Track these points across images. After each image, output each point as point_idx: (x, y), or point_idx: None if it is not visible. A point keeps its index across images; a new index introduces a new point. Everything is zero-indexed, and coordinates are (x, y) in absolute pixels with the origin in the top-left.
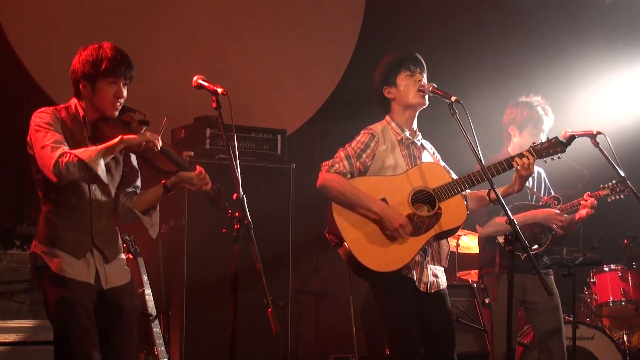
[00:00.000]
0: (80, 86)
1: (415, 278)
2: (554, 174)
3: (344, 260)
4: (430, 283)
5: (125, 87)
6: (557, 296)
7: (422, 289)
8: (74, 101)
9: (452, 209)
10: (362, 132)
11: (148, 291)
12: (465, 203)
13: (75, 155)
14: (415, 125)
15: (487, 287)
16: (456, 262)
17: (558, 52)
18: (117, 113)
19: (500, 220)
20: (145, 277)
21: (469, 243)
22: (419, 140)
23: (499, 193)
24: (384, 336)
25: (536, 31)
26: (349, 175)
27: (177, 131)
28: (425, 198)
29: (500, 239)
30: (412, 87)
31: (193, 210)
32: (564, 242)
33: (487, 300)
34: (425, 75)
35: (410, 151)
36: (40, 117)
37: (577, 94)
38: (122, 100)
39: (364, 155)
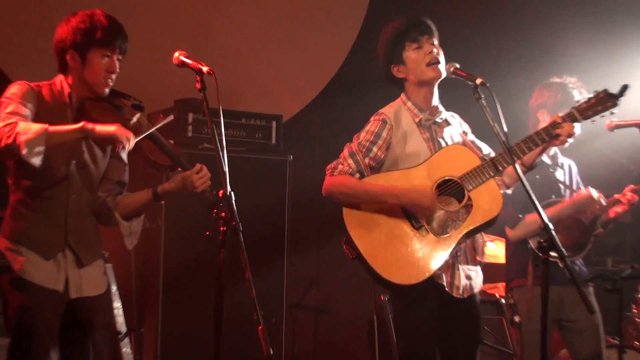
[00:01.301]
0: (68, 57)
1: (445, 283)
2: (596, 171)
3: (369, 274)
4: (463, 287)
5: (119, 62)
6: (598, 314)
7: (455, 295)
8: (59, 78)
9: (485, 198)
10: (371, 118)
11: (117, 304)
12: (505, 187)
13: (18, 128)
14: (435, 100)
15: (517, 302)
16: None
17: (601, 25)
18: (107, 91)
19: (533, 218)
20: (114, 288)
21: (495, 251)
22: (441, 118)
23: (525, 182)
24: (397, 347)
25: None
26: (358, 175)
27: (154, 116)
28: (452, 189)
29: (533, 243)
30: (422, 62)
31: (171, 209)
32: (607, 250)
33: (516, 319)
34: (436, 40)
35: (433, 133)
36: (11, 89)
37: (625, 76)
38: (114, 77)
39: (374, 149)
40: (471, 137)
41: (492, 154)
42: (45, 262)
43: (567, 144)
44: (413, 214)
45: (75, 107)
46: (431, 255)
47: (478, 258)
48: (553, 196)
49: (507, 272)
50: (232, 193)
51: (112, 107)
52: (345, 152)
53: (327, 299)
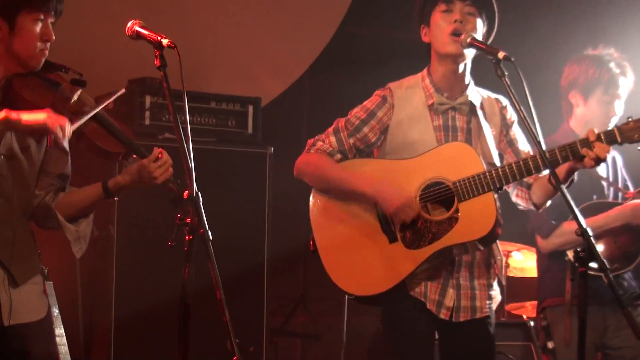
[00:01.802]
0: None
1: (428, 301)
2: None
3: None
4: (457, 308)
5: (52, 26)
6: None
7: (442, 316)
8: None
9: (474, 214)
10: (375, 92)
11: (60, 330)
12: (497, 207)
13: None
14: (464, 80)
15: (551, 324)
16: (504, 291)
17: None
18: (42, 62)
19: (571, 227)
20: (55, 311)
21: (523, 262)
22: (466, 104)
23: (565, 190)
24: None
25: None
26: (339, 156)
27: (104, 99)
28: (442, 194)
29: (571, 255)
30: (444, 30)
31: (125, 215)
32: None
33: (549, 345)
34: (478, 10)
35: (448, 120)
36: None
37: None
38: (49, 46)
39: (365, 129)
40: (514, 131)
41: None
42: None
43: (595, 168)
44: (385, 217)
45: (2, 86)
46: (392, 268)
47: (491, 280)
48: (595, 197)
49: (539, 289)
50: (200, 194)
51: (46, 83)
52: (331, 127)
53: (316, 323)
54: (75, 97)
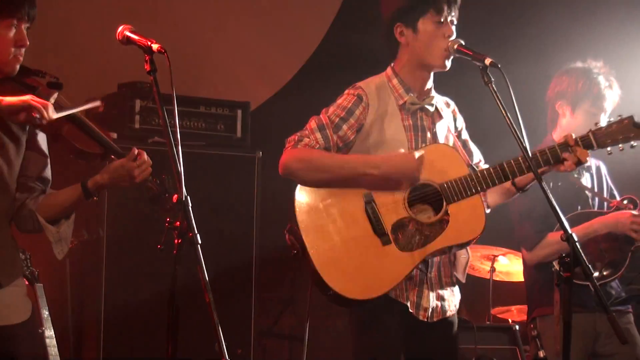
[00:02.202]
0: None
1: (409, 303)
2: (629, 169)
3: (310, 275)
4: (433, 309)
5: (26, 31)
6: (638, 344)
7: (421, 318)
8: None
9: (464, 216)
10: (345, 92)
11: (50, 332)
12: (486, 205)
13: None
14: (430, 84)
15: (542, 334)
16: (490, 295)
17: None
18: (17, 68)
19: (556, 237)
20: (45, 312)
21: (508, 267)
22: (432, 105)
23: (550, 195)
24: None
25: None
26: None
27: (83, 104)
28: (429, 196)
29: (557, 264)
30: (437, 43)
31: (115, 217)
32: None
33: (541, 354)
34: (455, 19)
35: (417, 120)
36: None
37: None
38: (23, 51)
39: (344, 127)
40: (465, 136)
41: (483, 164)
42: None
43: (574, 172)
44: (378, 217)
45: None
46: (389, 271)
47: (458, 275)
48: (579, 207)
49: (528, 300)
50: (189, 198)
51: (22, 87)
52: (313, 124)
53: (304, 325)
54: (52, 100)
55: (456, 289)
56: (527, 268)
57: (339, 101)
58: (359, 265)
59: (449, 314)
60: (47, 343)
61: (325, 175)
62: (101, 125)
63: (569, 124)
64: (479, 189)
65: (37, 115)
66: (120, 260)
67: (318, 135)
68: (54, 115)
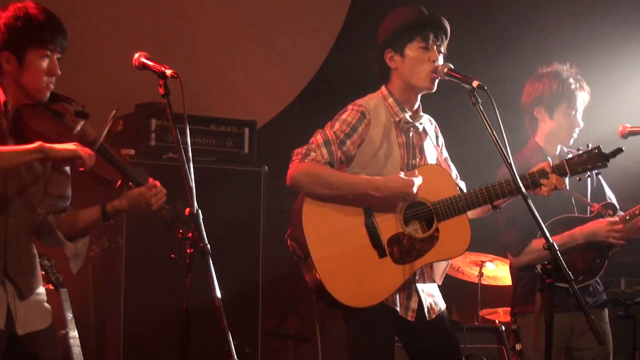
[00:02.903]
0: (3, 60)
1: (398, 306)
2: (610, 181)
3: (307, 281)
4: (428, 308)
5: (58, 61)
6: (609, 341)
7: (410, 319)
8: None
9: (453, 233)
10: (348, 107)
11: (74, 333)
12: (470, 228)
13: None
14: (419, 104)
15: (521, 329)
16: (479, 298)
17: (601, 20)
18: (48, 95)
19: (539, 244)
20: (69, 315)
21: (495, 272)
22: (421, 124)
23: (534, 210)
24: None
25: None
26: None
27: (113, 122)
28: (422, 214)
29: (540, 268)
30: (422, 66)
31: (133, 227)
32: (621, 271)
33: (518, 347)
34: (444, 48)
35: (409, 138)
36: None
37: (632, 79)
38: (54, 80)
39: (348, 142)
40: (445, 153)
41: (458, 180)
42: None
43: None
44: (376, 231)
45: (11, 116)
46: (385, 281)
47: (437, 281)
48: (561, 209)
49: (513, 296)
50: (200, 211)
51: (52, 114)
52: (319, 138)
53: (308, 326)
54: (78, 128)
55: (437, 289)
56: (513, 270)
57: (344, 116)
58: (357, 276)
59: (442, 308)
60: (71, 343)
61: (331, 192)
62: (121, 142)
63: (549, 127)
64: (466, 208)
65: (81, 163)
66: (137, 266)
67: (324, 150)
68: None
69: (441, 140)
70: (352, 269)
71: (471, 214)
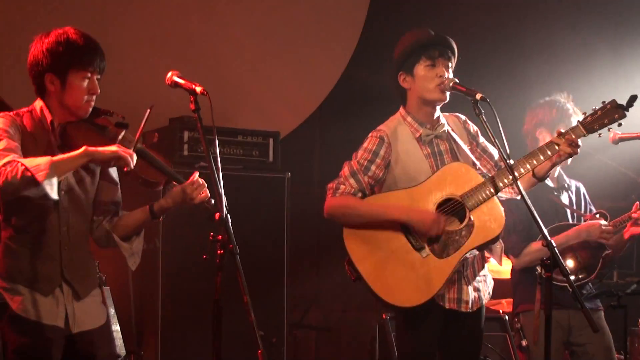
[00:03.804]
0: (47, 81)
1: (448, 301)
2: (601, 184)
3: (370, 293)
4: (472, 301)
5: (98, 81)
6: (608, 336)
7: (464, 310)
8: (38, 103)
9: (486, 217)
10: (369, 135)
11: (116, 327)
12: (512, 194)
13: (23, 165)
14: (438, 114)
15: (524, 326)
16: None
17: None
18: (90, 111)
19: (538, 246)
20: (112, 310)
21: (497, 266)
22: (444, 131)
23: (527, 198)
24: None
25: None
26: (360, 195)
27: (150, 135)
28: (454, 208)
29: (540, 268)
30: (430, 82)
31: (169, 230)
32: (612, 265)
33: (523, 343)
34: (452, 64)
35: (434, 147)
36: None
37: (622, 90)
38: (94, 98)
39: (372, 167)
40: (482, 140)
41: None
42: (43, 298)
43: (569, 159)
44: (414, 234)
45: (58, 133)
46: (431, 277)
47: (496, 259)
48: (557, 221)
49: (514, 298)
50: (229, 215)
51: (95, 128)
52: (346, 171)
53: (328, 318)
54: (120, 137)
55: (489, 278)
56: (514, 272)
57: (365, 145)
58: (405, 278)
59: (484, 300)
60: (114, 336)
61: (363, 220)
62: (156, 153)
63: None
64: (492, 191)
65: (123, 163)
66: (173, 266)
67: (352, 181)
68: (135, 160)
69: (474, 129)
70: (399, 273)
71: (524, 186)
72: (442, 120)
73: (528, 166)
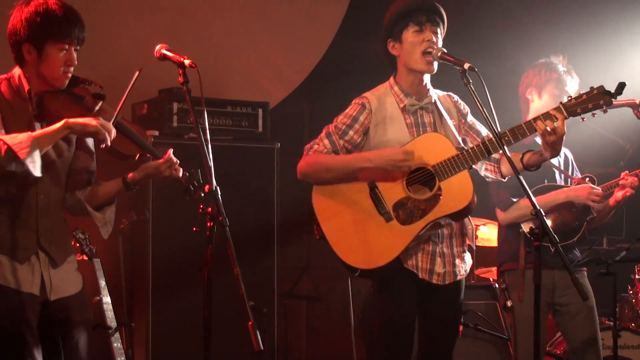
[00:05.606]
0: (24, 51)
1: (420, 270)
2: (590, 150)
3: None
4: (444, 273)
5: (76, 52)
6: (591, 295)
7: (435, 282)
8: (17, 71)
9: (454, 189)
10: (353, 101)
11: (107, 299)
12: (500, 175)
13: (5, 144)
14: (427, 86)
15: (509, 286)
16: (474, 258)
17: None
18: (67, 82)
19: (526, 202)
20: (102, 282)
21: (488, 234)
22: (431, 104)
23: (516, 167)
24: (372, 333)
25: None
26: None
27: (139, 106)
28: (424, 177)
29: (525, 228)
30: (416, 48)
31: (159, 202)
32: (600, 232)
33: (509, 303)
34: (441, 31)
35: (418, 118)
36: None
37: (614, 57)
38: (72, 69)
39: (350, 132)
40: (470, 118)
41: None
42: (20, 265)
43: (550, 139)
44: (381, 200)
45: (35, 102)
46: (392, 242)
47: (468, 242)
48: (546, 181)
49: (498, 256)
50: (218, 188)
51: (72, 98)
52: (323, 133)
53: (318, 288)
54: (97, 108)
55: (467, 256)
56: (500, 229)
57: (347, 110)
58: (366, 241)
59: (459, 276)
60: (104, 308)
61: (332, 174)
62: (146, 124)
63: (538, 106)
64: (465, 165)
65: (102, 138)
66: (164, 237)
67: (326, 141)
68: (114, 135)
69: (465, 109)
70: (360, 235)
71: (508, 169)
72: (432, 93)
73: (511, 138)
